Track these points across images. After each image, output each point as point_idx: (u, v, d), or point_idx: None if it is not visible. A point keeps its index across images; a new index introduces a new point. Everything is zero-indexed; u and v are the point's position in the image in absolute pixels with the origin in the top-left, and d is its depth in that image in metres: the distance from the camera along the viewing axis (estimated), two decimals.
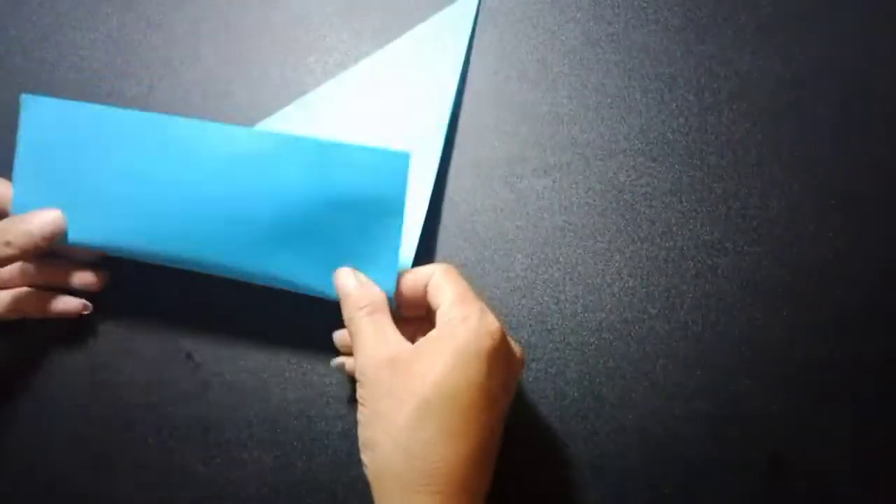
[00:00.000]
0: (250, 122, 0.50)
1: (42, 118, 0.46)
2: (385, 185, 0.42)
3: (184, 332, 0.46)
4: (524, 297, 0.46)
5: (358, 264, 0.42)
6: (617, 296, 0.46)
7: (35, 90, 0.52)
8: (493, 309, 0.45)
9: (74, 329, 0.47)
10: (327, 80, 0.51)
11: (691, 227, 0.47)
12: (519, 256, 0.47)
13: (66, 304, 0.46)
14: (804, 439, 0.43)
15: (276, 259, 0.43)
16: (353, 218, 0.42)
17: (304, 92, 0.51)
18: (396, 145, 0.43)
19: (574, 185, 0.48)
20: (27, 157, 0.46)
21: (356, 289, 0.40)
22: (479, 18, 0.52)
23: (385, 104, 0.50)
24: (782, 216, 0.47)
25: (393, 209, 0.42)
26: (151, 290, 0.47)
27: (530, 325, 0.45)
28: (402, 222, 0.42)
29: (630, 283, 0.46)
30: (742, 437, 0.43)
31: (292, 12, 0.53)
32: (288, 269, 0.44)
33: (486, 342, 0.36)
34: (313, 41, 0.52)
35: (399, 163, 0.42)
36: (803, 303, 0.45)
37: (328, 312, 0.46)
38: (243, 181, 0.44)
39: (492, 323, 0.37)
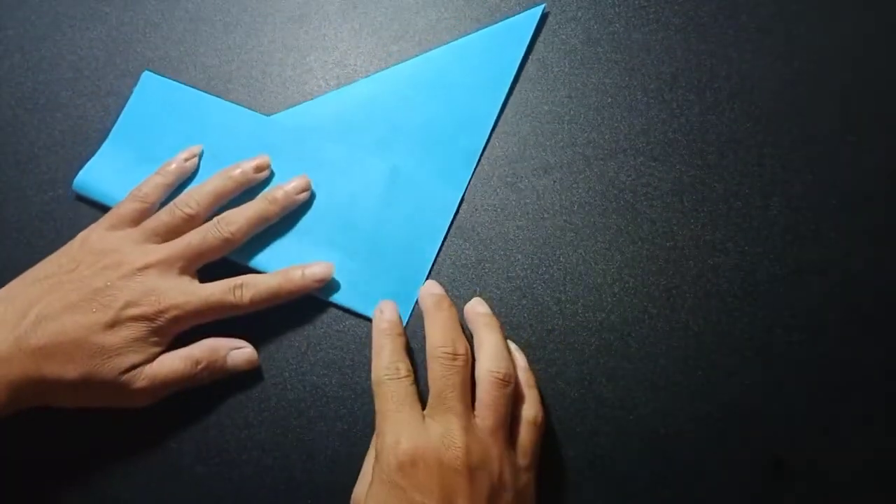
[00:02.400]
0: None
1: (153, 94, 0.51)
2: (432, 214, 0.47)
3: (183, 331, 0.45)
4: (524, 297, 0.46)
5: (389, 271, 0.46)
6: (617, 296, 0.46)
7: (34, 90, 0.52)
8: (492, 309, 0.45)
9: None
10: (369, 73, 0.51)
11: (692, 226, 0.47)
12: (519, 256, 0.47)
13: (244, 355, 0.45)
14: (804, 439, 0.43)
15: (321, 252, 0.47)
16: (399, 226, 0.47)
17: (303, 91, 0.51)
18: (432, 157, 0.48)
19: (574, 185, 0.48)
20: (126, 125, 0.50)
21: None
22: (480, 18, 0.52)
23: (424, 113, 0.50)
24: (782, 216, 0.47)
25: (432, 235, 0.47)
26: None
27: (530, 325, 0.45)
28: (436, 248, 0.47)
29: (630, 283, 0.46)
30: (742, 437, 0.43)
31: (292, 12, 0.53)
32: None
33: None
34: (313, 41, 0.52)
35: (449, 198, 0.48)
36: (803, 303, 0.45)
37: (328, 312, 0.46)
38: (326, 184, 0.48)
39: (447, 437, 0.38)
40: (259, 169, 0.47)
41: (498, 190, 0.48)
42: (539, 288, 0.46)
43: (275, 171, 0.48)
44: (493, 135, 0.49)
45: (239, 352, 0.44)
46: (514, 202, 0.48)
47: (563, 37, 0.52)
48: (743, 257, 0.46)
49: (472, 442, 0.37)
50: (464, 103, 0.50)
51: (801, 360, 0.44)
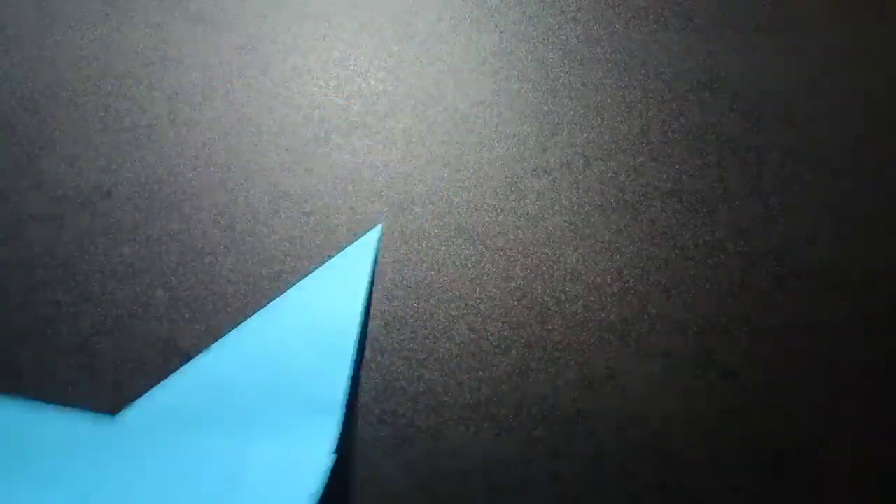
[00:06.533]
0: (250, 125, 0.50)
1: None
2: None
3: (183, 332, 0.45)
4: (524, 297, 0.46)
5: None
6: (617, 296, 0.46)
7: (35, 90, 0.52)
8: (492, 309, 0.45)
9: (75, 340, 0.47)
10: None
11: (691, 227, 0.47)
12: (519, 256, 0.47)
13: None
14: (805, 439, 0.43)
15: None
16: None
17: (303, 92, 0.51)
18: (288, 428, 0.40)
19: (574, 185, 0.48)
20: None
21: None
22: (480, 18, 0.52)
23: (273, 379, 0.43)
24: (782, 216, 0.47)
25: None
26: (151, 291, 0.47)
27: (530, 325, 0.45)
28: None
29: (630, 283, 0.46)
30: (743, 437, 0.43)
31: (292, 12, 0.53)
32: None
33: None
34: (313, 41, 0.52)
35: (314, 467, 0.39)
36: (803, 303, 0.45)
37: None
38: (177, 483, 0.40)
39: None
40: None
41: (498, 190, 0.48)
42: (539, 288, 0.46)
43: (121, 479, 0.40)
44: (494, 135, 0.49)
45: None
46: (514, 202, 0.48)
47: (563, 37, 0.52)
48: (743, 257, 0.46)
49: None
50: (315, 350, 0.44)
51: (802, 359, 0.44)
